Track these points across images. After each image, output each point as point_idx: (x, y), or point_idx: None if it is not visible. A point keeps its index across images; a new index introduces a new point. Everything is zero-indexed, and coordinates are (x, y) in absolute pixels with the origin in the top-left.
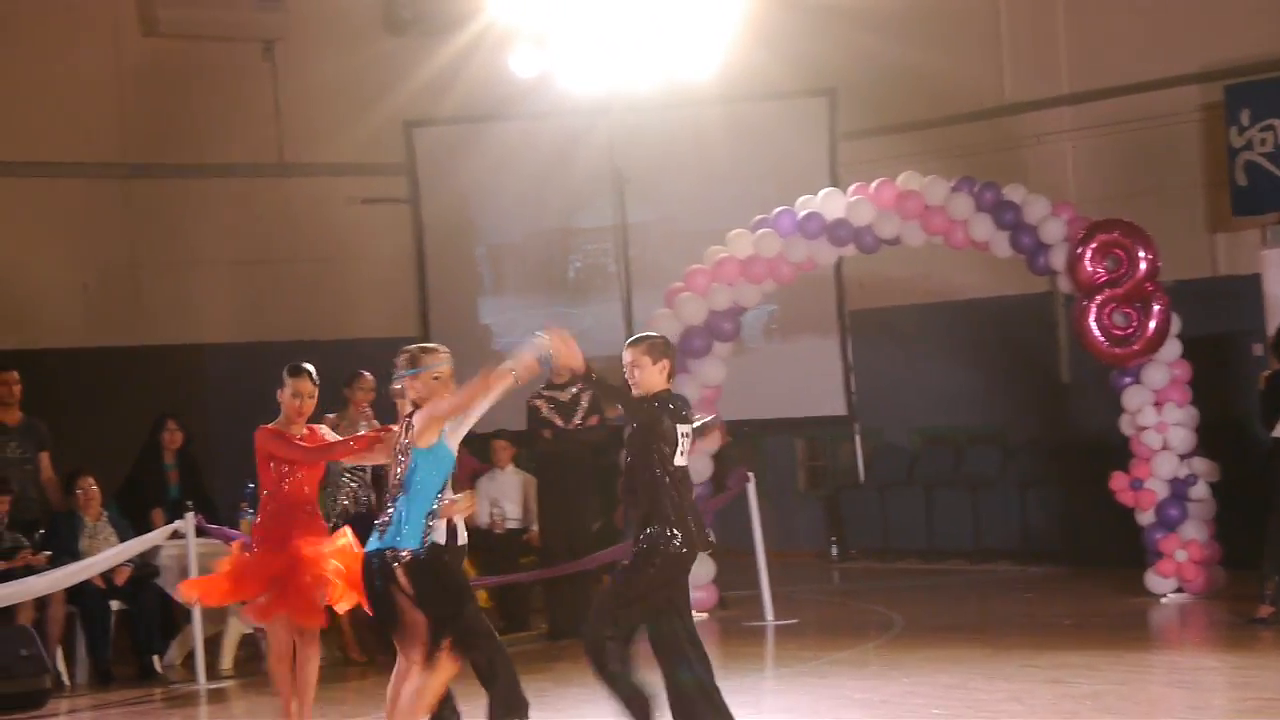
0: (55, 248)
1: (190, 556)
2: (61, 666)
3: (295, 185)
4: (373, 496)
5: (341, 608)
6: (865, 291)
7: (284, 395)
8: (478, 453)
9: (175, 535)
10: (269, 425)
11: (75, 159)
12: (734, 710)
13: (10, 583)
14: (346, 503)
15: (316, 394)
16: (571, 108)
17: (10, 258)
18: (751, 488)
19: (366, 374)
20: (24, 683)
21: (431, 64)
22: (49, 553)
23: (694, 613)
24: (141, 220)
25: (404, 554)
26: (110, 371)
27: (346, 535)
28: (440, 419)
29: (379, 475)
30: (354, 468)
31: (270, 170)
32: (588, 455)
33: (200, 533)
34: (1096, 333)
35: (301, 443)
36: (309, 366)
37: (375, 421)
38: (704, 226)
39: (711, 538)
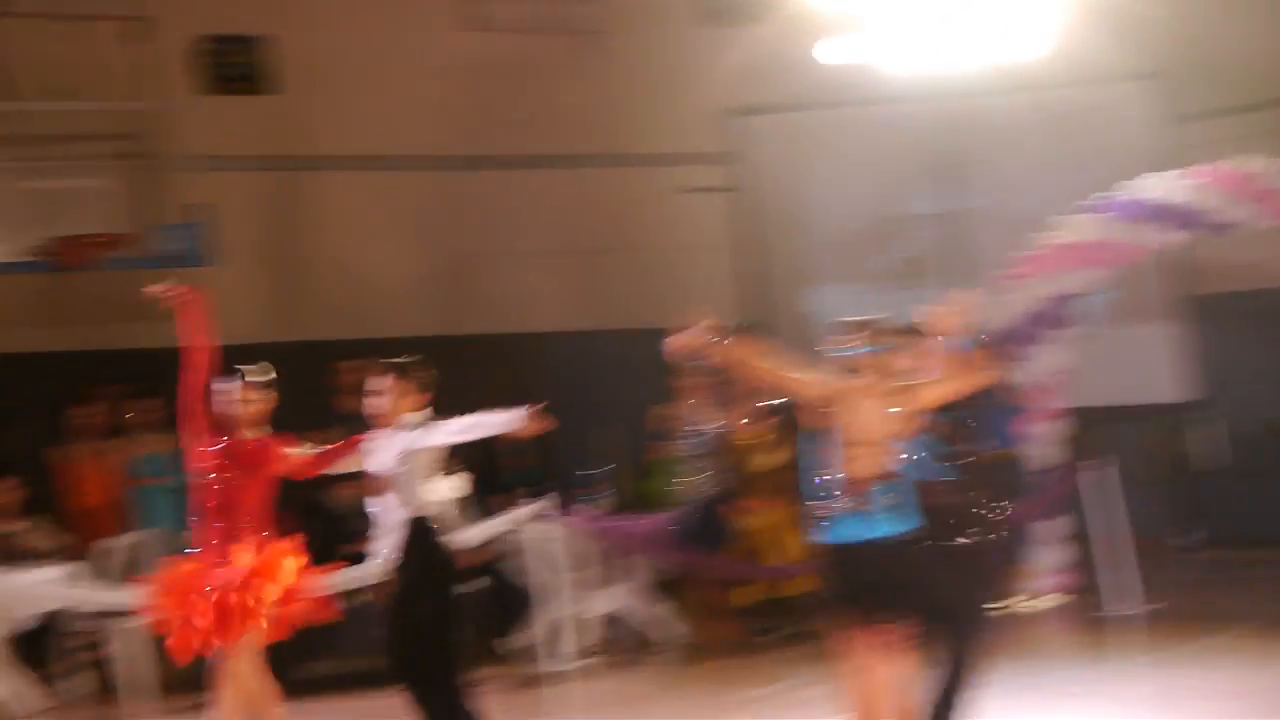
0: (395, 240)
1: (539, 541)
2: None
3: (621, 175)
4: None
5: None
6: (1210, 276)
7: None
8: None
9: (525, 519)
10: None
11: (412, 153)
12: (1103, 699)
13: (364, 563)
14: (692, 488)
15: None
16: (894, 93)
17: (352, 251)
18: (1108, 474)
19: (697, 363)
20: (376, 661)
21: (751, 52)
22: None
23: (1051, 598)
24: (476, 212)
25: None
26: (450, 361)
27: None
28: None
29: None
30: (696, 453)
31: (597, 161)
32: None
33: (548, 517)
34: None
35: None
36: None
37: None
38: (1035, 212)
39: None
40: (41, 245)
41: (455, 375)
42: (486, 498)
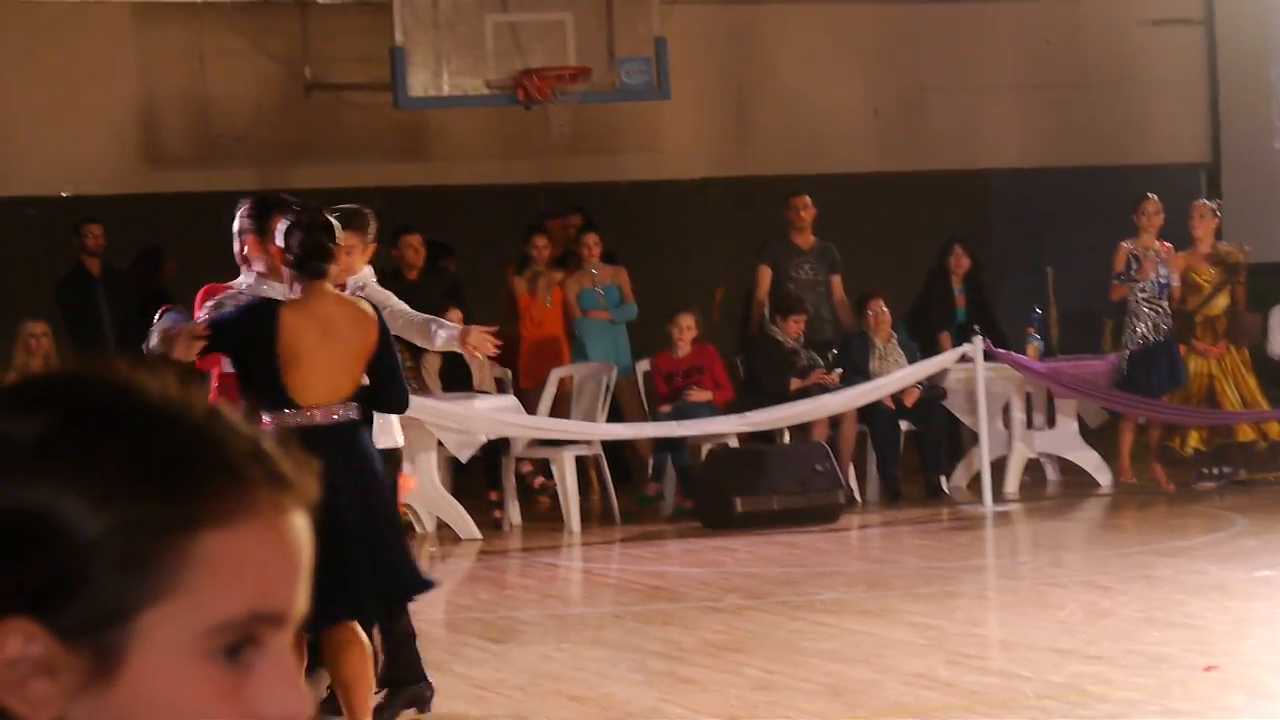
0: (847, 73)
1: (978, 380)
2: (853, 483)
3: (1085, 8)
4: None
5: None
6: None
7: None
8: None
9: (963, 359)
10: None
11: None
12: None
13: (806, 400)
14: (1146, 330)
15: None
16: None
17: (803, 83)
18: None
19: (1153, 197)
20: (818, 496)
21: None
22: (840, 371)
23: None
24: (931, 45)
25: None
26: (898, 196)
27: None
28: None
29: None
30: (1153, 295)
31: None
32: None
33: (988, 357)
34: None
35: None
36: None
37: (1167, 246)
38: None
39: None
40: (509, 78)
41: (903, 211)
42: (923, 338)
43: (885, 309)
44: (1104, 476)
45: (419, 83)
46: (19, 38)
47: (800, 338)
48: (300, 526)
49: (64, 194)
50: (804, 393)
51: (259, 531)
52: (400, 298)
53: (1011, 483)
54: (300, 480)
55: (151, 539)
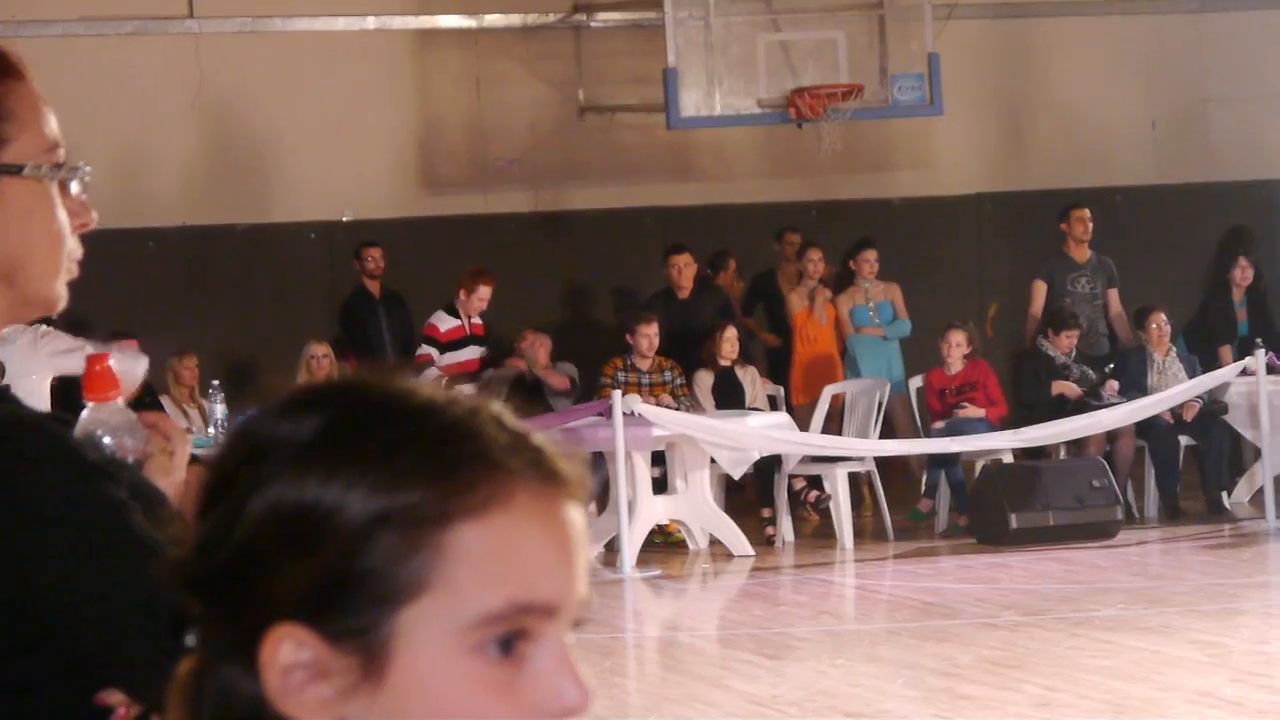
0: (1125, 85)
1: (1261, 394)
2: (1131, 498)
3: None
4: None
5: None
6: None
7: None
8: None
9: (1244, 372)
10: None
11: None
12: None
13: (1082, 415)
14: None
15: None
16: None
17: (1081, 96)
18: None
19: None
20: (1095, 513)
21: None
22: (1116, 383)
23: None
24: (1211, 55)
25: None
26: (1178, 208)
27: None
28: None
29: None
30: None
31: None
32: None
33: (1270, 370)
34: None
35: None
36: None
37: None
38: None
39: None
40: (781, 97)
41: (1183, 224)
42: (1203, 351)
43: (1167, 322)
44: None
45: (691, 103)
46: (302, 67)
47: (1072, 353)
48: (571, 518)
49: (345, 218)
50: (1078, 405)
51: (517, 522)
52: (672, 317)
53: None
54: (573, 475)
55: (408, 532)
